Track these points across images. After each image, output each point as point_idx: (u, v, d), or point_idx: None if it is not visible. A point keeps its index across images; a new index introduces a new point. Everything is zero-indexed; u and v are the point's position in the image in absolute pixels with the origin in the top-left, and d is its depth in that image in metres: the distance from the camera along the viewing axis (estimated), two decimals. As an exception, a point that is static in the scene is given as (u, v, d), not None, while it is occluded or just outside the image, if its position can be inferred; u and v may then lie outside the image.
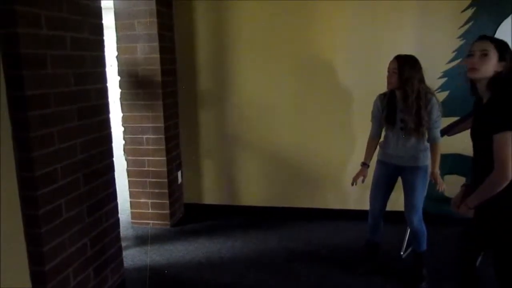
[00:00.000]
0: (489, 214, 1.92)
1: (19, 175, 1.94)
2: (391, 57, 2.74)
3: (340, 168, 3.91)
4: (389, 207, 2.98)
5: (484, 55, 1.87)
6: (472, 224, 2.03)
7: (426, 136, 2.75)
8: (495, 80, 1.86)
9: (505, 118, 1.78)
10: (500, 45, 1.88)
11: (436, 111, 2.69)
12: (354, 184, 2.92)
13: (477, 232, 2.06)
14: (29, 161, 1.94)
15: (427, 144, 2.77)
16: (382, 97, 2.85)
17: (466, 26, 3.49)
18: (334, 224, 3.86)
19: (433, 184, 2.78)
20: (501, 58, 1.85)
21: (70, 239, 2.22)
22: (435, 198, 3.20)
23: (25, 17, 1.87)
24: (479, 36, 1.96)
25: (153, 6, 3.47)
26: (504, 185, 1.79)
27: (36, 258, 2.02)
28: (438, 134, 2.75)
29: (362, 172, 2.92)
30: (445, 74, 3.57)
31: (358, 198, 3.86)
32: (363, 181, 2.92)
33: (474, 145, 2.02)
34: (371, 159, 2.96)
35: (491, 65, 1.86)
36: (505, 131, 1.76)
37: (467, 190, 2.08)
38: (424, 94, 2.65)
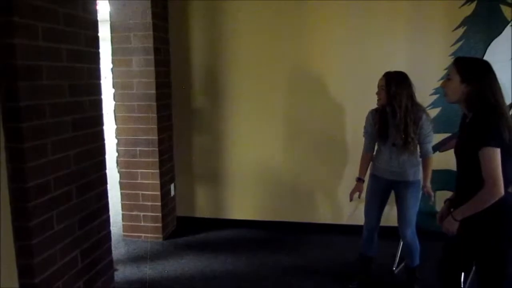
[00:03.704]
0: (474, 228, 1.93)
1: (11, 186, 1.92)
2: (383, 74, 2.78)
3: (332, 183, 3.92)
4: (381, 222, 2.98)
5: (448, 79, 1.96)
6: (455, 238, 2.03)
7: (418, 151, 2.78)
8: (467, 101, 1.91)
9: (484, 135, 1.81)
10: (464, 67, 1.92)
11: (427, 127, 2.71)
12: (351, 199, 2.94)
13: (460, 245, 2.06)
14: (22, 172, 1.92)
15: (420, 159, 2.79)
16: (374, 112, 2.88)
17: (457, 44, 3.56)
18: (326, 238, 3.85)
19: (425, 199, 2.80)
20: (463, 80, 1.89)
21: (61, 252, 2.18)
22: (427, 213, 3.21)
23: (22, 29, 1.88)
24: None
25: (149, 19, 3.50)
26: (495, 200, 1.80)
27: (26, 270, 1.99)
28: (430, 149, 2.77)
29: (358, 188, 2.93)
30: (437, 91, 3.61)
31: (351, 213, 3.86)
32: (359, 196, 2.93)
33: (457, 161, 2.06)
34: (365, 173, 2.97)
35: (453, 88, 1.93)
36: (486, 147, 1.79)
37: (451, 205, 2.11)
38: (414, 110, 2.67)
